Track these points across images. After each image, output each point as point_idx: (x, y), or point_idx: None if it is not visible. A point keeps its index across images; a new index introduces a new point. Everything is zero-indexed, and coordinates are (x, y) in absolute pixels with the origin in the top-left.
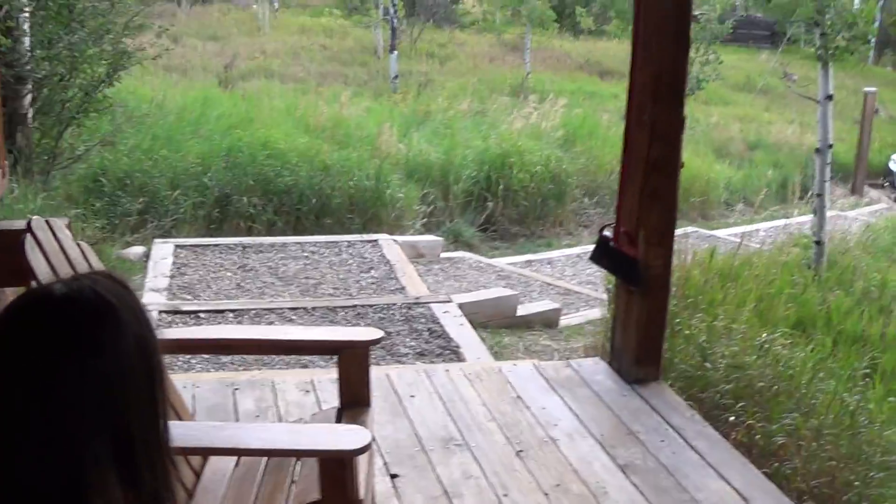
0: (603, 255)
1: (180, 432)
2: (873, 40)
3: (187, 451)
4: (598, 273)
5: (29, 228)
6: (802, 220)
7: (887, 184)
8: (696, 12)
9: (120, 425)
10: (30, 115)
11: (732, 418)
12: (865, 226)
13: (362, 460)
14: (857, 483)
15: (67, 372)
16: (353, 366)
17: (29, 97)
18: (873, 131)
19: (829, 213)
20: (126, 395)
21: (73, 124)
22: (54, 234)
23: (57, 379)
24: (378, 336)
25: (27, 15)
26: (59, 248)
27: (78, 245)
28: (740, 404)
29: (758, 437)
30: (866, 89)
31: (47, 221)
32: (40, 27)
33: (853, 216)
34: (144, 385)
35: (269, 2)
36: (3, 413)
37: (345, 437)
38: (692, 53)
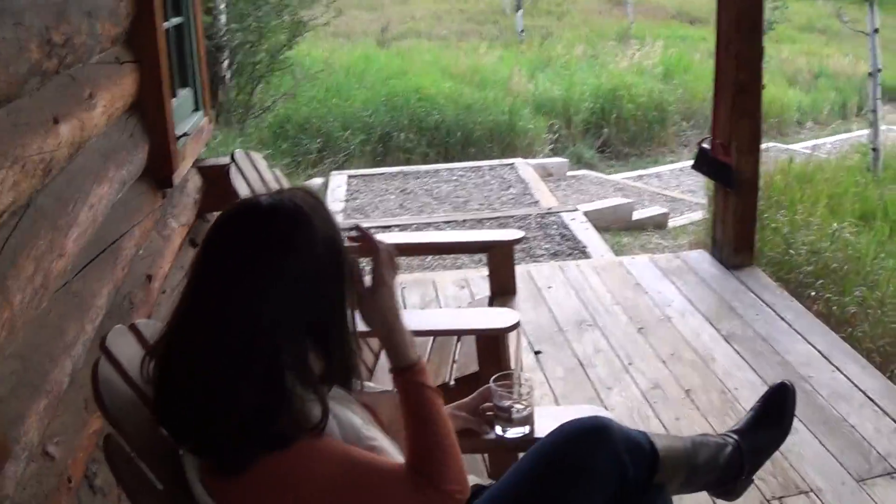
0: (703, 163)
1: (359, 319)
2: None
3: (367, 335)
4: (698, 182)
5: (233, 159)
6: (860, 133)
7: None
8: None
9: (313, 310)
10: (228, 76)
11: (813, 294)
12: None
13: (512, 337)
14: None
15: (271, 266)
16: (500, 260)
17: (226, 62)
18: None
19: (881, 127)
20: (318, 285)
21: (261, 82)
22: (253, 164)
23: (263, 271)
24: (520, 236)
25: None
26: (258, 175)
27: (272, 172)
28: (819, 282)
29: (834, 307)
30: None
31: (247, 153)
32: (234, 5)
33: None
34: (333, 278)
35: None
36: (216, 297)
37: (497, 317)
38: None
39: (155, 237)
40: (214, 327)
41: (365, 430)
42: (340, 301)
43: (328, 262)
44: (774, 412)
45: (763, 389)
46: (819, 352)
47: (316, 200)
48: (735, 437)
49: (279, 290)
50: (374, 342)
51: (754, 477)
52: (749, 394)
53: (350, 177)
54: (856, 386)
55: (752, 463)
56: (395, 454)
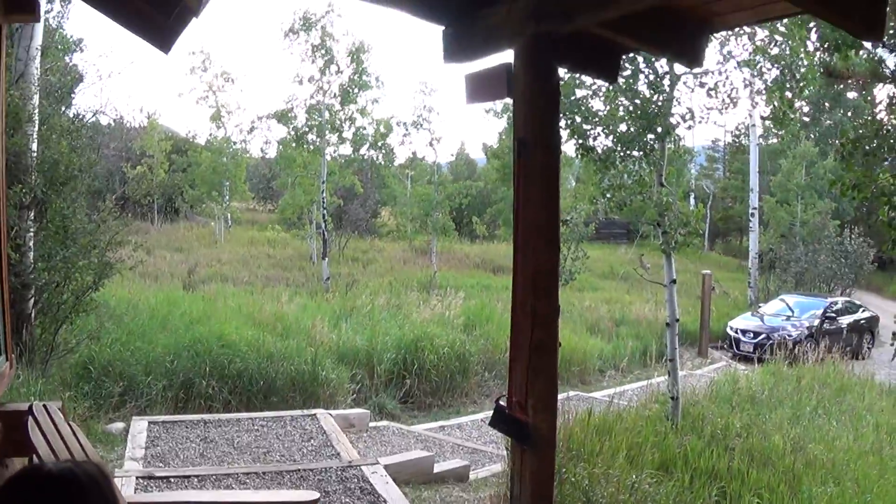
0: (500, 420)
1: None
2: (706, 233)
3: None
4: (499, 434)
5: (30, 412)
6: (660, 380)
7: (726, 345)
8: (566, 217)
9: None
10: (33, 315)
11: None
12: (710, 381)
13: None
14: None
15: None
16: None
17: (32, 300)
18: (711, 304)
19: (680, 373)
20: None
21: (66, 322)
22: (50, 417)
23: None
24: (314, 497)
25: (31, 234)
26: (55, 428)
27: (69, 425)
28: None
29: None
30: (703, 272)
31: (45, 406)
32: (42, 244)
33: (700, 374)
34: None
35: (224, 219)
36: None
37: None
38: (565, 251)
39: None
40: None
41: None
42: None
43: None
44: None
45: None
46: None
47: (99, 473)
48: None
49: None
50: None
51: None
52: None
53: (151, 423)
54: None
55: None
56: None
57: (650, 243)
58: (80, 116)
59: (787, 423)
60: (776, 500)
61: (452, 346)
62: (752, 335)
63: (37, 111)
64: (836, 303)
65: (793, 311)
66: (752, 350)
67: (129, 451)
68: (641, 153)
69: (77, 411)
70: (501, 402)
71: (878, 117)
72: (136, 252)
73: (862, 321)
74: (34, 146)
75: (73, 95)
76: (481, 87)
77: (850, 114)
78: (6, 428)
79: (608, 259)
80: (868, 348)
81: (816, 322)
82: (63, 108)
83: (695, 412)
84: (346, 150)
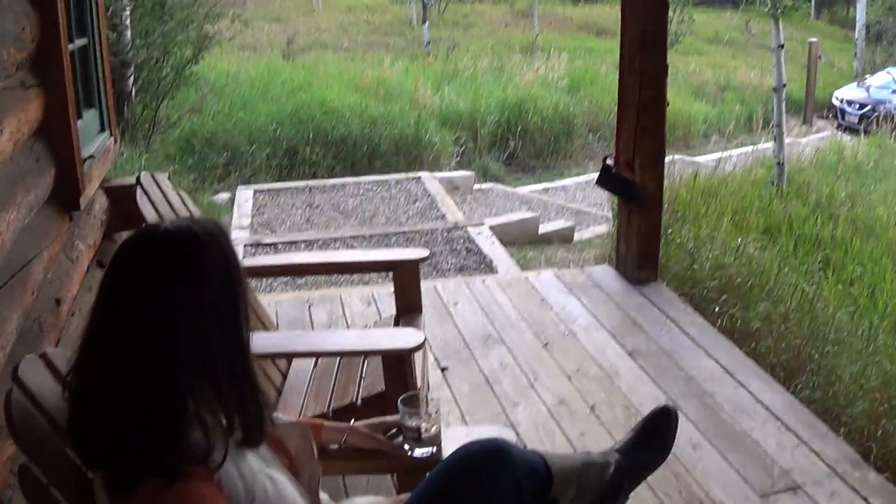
0: (607, 180)
1: (268, 342)
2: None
3: (275, 356)
4: (603, 195)
5: (138, 182)
6: (765, 147)
7: (831, 115)
8: None
9: (211, 337)
10: (133, 92)
11: (717, 309)
12: (815, 150)
13: (418, 356)
14: (816, 356)
15: (165, 292)
16: (406, 279)
17: (132, 78)
18: (817, 73)
19: (786, 140)
20: (210, 313)
21: (167, 97)
22: (158, 186)
23: (157, 297)
24: (425, 254)
25: (128, 12)
26: (163, 197)
27: (178, 193)
28: (723, 297)
29: (738, 322)
30: (810, 39)
31: (152, 175)
32: (139, 21)
33: (805, 142)
34: (226, 306)
35: None
36: (115, 323)
37: (402, 337)
38: (670, 14)
39: (63, 260)
40: (115, 352)
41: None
42: (235, 328)
43: (224, 292)
44: (655, 436)
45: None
46: (723, 367)
47: (217, 229)
48: (617, 456)
49: (173, 316)
50: (282, 363)
51: (659, 493)
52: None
53: (256, 191)
54: (759, 401)
55: (632, 481)
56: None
57: (755, 9)
58: None
59: (891, 195)
60: (879, 270)
61: (556, 107)
62: (857, 106)
63: None
64: None
65: None
66: (857, 121)
67: (235, 220)
68: None
69: (182, 184)
70: (609, 162)
71: None
72: (233, 24)
73: None
74: None
75: None
76: None
77: None
78: (113, 203)
79: (713, 23)
80: None
81: None
82: None
83: (800, 179)
84: None
